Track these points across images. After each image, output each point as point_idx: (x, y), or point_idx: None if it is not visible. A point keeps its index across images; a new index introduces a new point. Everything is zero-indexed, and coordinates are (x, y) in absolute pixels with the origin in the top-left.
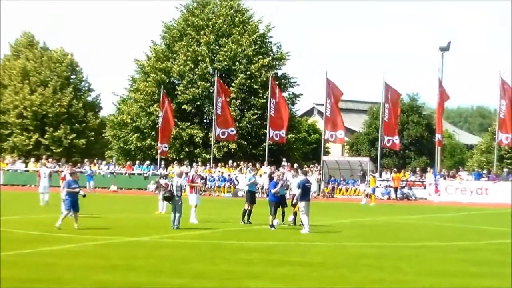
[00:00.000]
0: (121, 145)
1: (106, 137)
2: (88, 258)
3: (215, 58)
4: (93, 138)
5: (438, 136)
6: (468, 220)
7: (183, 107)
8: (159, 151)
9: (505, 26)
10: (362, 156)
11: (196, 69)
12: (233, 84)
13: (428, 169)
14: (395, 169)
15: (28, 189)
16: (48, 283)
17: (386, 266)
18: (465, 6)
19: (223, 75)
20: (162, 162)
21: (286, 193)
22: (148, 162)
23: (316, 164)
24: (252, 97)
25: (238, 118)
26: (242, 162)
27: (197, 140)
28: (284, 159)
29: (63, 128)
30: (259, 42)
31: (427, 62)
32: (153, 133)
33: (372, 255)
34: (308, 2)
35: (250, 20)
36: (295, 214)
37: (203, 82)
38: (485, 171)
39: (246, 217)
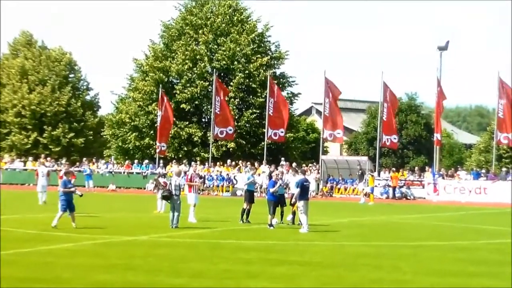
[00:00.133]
0: (120, 144)
1: (104, 136)
2: (87, 257)
3: (214, 57)
4: (91, 137)
5: (437, 136)
6: (467, 220)
7: (181, 106)
8: (157, 150)
9: (503, 26)
10: (360, 155)
11: (195, 68)
12: (231, 83)
13: (427, 168)
14: (394, 169)
15: (27, 188)
16: (47, 282)
17: (385, 265)
18: (463, 5)
19: (222, 74)
20: (161, 161)
21: (285, 192)
22: (146, 161)
23: (314, 163)
24: (251, 96)
25: (236, 117)
26: (240, 161)
27: (195, 139)
28: (282, 158)
29: (62, 127)
30: (257, 41)
31: (425, 61)
32: (152, 132)
33: (370, 254)
34: (306, 1)
35: (248, 19)
36: (294, 213)
37: (202, 81)
38: (483, 171)
39: (244, 216)
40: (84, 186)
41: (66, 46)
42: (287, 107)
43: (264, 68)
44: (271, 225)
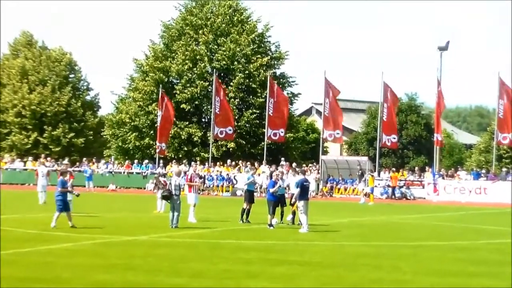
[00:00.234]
0: (120, 144)
1: (104, 136)
2: (87, 257)
3: (214, 58)
4: (91, 137)
5: (437, 136)
6: (467, 220)
7: (181, 107)
8: (157, 150)
9: (503, 26)
10: (360, 155)
11: (195, 69)
12: (231, 83)
13: (427, 168)
14: (394, 169)
15: (27, 188)
16: (47, 282)
17: (385, 265)
18: (463, 6)
19: (222, 74)
20: (161, 161)
21: (285, 193)
22: (146, 161)
23: (314, 164)
24: (251, 97)
25: (236, 117)
26: (240, 162)
27: (195, 139)
28: (282, 159)
29: (62, 127)
30: (257, 42)
31: (425, 62)
32: (152, 132)
33: (370, 254)
34: (306, 1)
35: (248, 20)
36: (294, 213)
37: (202, 82)
38: (483, 171)
39: (244, 216)
40: (84, 186)
41: (66, 46)
42: (287, 106)
43: (264, 68)
44: (271, 225)
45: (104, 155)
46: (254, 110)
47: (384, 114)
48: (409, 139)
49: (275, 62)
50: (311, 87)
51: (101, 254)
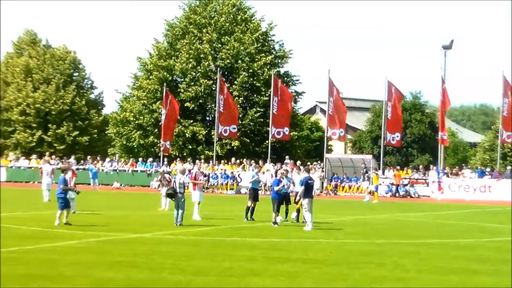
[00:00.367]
0: (124, 142)
1: (109, 135)
2: (90, 255)
3: (218, 56)
4: (96, 135)
5: (441, 134)
6: (471, 218)
7: (185, 105)
8: (162, 149)
9: (507, 25)
10: (365, 153)
11: (199, 67)
12: (235, 82)
13: (431, 167)
14: (398, 167)
15: (32, 186)
16: (50, 279)
17: (388, 263)
18: (468, 4)
19: (226, 73)
20: (165, 160)
21: (289, 191)
22: (151, 159)
23: (319, 162)
24: (255, 95)
25: (240, 115)
26: (245, 160)
27: (199, 137)
28: (287, 157)
29: (66, 125)
30: (261, 40)
31: (430, 60)
32: (156, 130)
33: (373, 252)
34: (310, 0)
35: (252, 18)
36: (298, 211)
37: (206, 80)
38: (488, 169)
39: (249, 214)
40: (89, 184)
41: (70, 44)
42: (291, 102)
43: (268, 67)
44: (275, 223)
45: (109, 153)
46: (258, 109)
47: (388, 113)
48: (414, 137)
49: (279, 61)
50: (315, 85)
51: (105, 252)
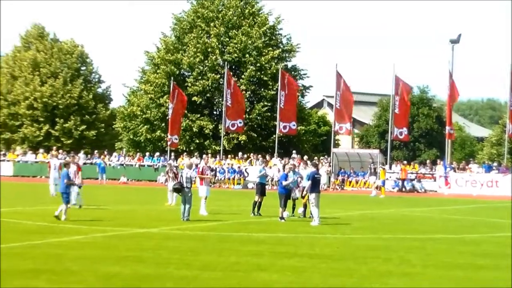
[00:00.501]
0: (131, 136)
1: (116, 129)
2: (97, 250)
3: (225, 50)
4: (103, 129)
5: (448, 129)
6: (478, 213)
7: (193, 99)
8: (169, 143)
9: None
10: (372, 148)
11: (206, 61)
12: (243, 76)
13: (438, 161)
14: (405, 162)
15: (39, 180)
16: (56, 274)
17: (394, 258)
18: None
19: (233, 67)
20: (172, 154)
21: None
22: (158, 153)
23: (326, 156)
24: (262, 89)
25: (248, 110)
26: (252, 154)
27: (207, 132)
28: (294, 151)
29: (73, 120)
30: (269, 34)
31: (437, 54)
32: (163, 124)
33: (380, 247)
34: None
35: (260, 12)
36: (305, 206)
37: (213, 74)
38: (495, 164)
39: (256, 209)
40: (97, 179)
41: (78, 38)
42: (296, 93)
43: (275, 61)
44: (282, 218)
45: (116, 148)
46: (266, 103)
47: (396, 107)
48: (421, 132)
49: (287, 55)
50: (322, 80)
51: (111, 247)
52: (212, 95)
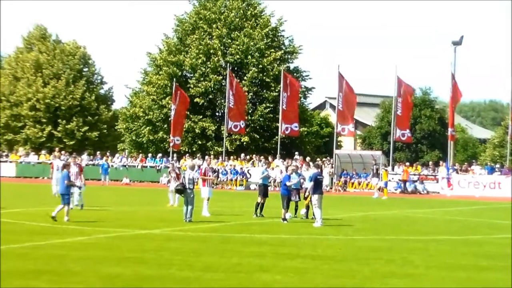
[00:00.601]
0: (134, 138)
1: (118, 130)
2: (99, 250)
3: (227, 52)
4: (105, 130)
5: (450, 130)
6: (480, 214)
7: (195, 100)
8: (171, 144)
9: None
10: (374, 149)
11: (208, 63)
12: (245, 78)
13: (441, 163)
14: (407, 163)
15: (41, 181)
16: (58, 275)
17: (397, 259)
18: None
19: (235, 68)
20: (175, 155)
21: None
22: (160, 155)
23: (328, 158)
24: (264, 91)
25: (250, 111)
26: (254, 156)
27: (209, 133)
28: (296, 153)
29: (76, 121)
30: (271, 36)
31: (440, 56)
32: (165, 126)
33: (383, 248)
34: None
35: (262, 14)
36: (308, 207)
37: (215, 76)
38: (498, 165)
39: (258, 210)
40: (99, 180)
41: (80, 40)
42: (298, 92)
43: (277, 63)
44: (284, 219)
45: (118, 149)
46: (268, 104)
47: (398, 108)
48: (423, 133)
49: (289, 56)
50: (324, 81)
51: (114, 248)
52: (215, 96)
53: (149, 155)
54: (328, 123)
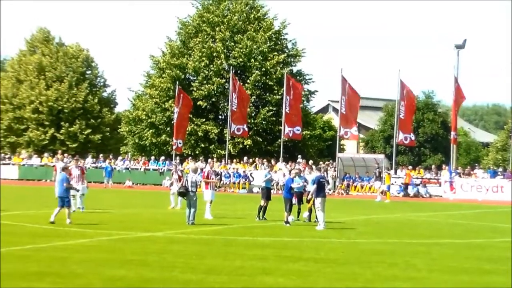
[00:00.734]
0: (136, 140)
1: (121, 133)
2: (102, 253)
3: (230, 55)
4: (108, 133)
5: (453, 134)
6: (483, 218)
7: (198, 103)
8: (174, 147)
9: None
10: (377, 153)
11: (211, 66)
12: (248, 81)
13: (444, 166)
14: (410, 167)
15: (44, 184)
16: (61, 277)
17: (399, 262)
18: (481, 3)
19: (238, 71)
20: (177, 158)
21: (302, 190)
22: (163, 158)
23: (331, 161)
24: (267, 94)
25: (253, 114)
26: (257, 159)
27: (212, 136)
28: (299, 156)
29: (79, 124)
30: (274, 39)
31: (442, 60)
32: (168, 129)
33: (385, 252)
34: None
35: (265, 17)
36: (310, 210)
37: (218, 79)
38: (500, 169)
39: (261, 213)
40: (102, 182)
41: (83, 42)
42: (300, 95)
43: (280, 66)
44: (287, 222)
45: (121, 152)
46: (271, 108)
47: (401, 112)
48: (426, 137)
49: (292, 60)
50: (327, 84)
51: (116, 250)
52: (218, 99)
53: (152, 158)
54: (331, 127)
